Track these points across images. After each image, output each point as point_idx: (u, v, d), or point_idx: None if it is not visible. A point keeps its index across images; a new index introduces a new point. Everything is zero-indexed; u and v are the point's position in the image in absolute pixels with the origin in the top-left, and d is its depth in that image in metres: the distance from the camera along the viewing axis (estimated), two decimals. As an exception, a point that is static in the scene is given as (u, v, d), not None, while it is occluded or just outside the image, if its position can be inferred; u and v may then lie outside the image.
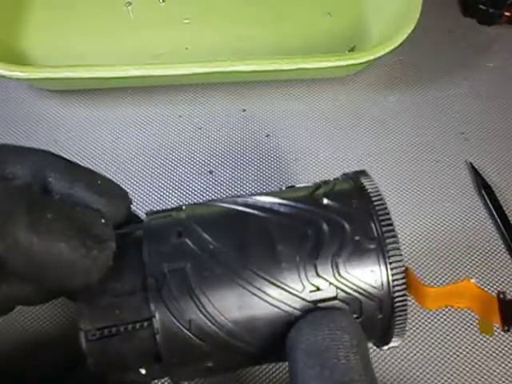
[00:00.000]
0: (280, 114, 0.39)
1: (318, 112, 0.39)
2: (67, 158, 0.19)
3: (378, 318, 0.19)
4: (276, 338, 0.18)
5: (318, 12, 0.44)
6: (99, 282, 0.17)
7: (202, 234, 0.19)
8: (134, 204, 0.34)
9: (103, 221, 0.17)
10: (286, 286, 0.18)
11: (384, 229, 0.19)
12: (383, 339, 0.20)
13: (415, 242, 0.33)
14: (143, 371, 0.18)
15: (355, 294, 0.18)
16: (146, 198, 0.34)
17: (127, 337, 0.18)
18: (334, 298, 0.18)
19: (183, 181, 0.35)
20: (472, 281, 0.20)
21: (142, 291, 0.18)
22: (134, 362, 0.18)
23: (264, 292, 0.18)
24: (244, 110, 0.39)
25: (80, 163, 0.39)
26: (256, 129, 0.38)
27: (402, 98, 0.40)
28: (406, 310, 0.19)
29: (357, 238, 0.18)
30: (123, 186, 0.36)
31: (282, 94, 0.40)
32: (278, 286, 0.18)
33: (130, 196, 0.20)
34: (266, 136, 0.38)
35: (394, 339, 0.20)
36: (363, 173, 0.21)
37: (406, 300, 0.18)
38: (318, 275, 0.18)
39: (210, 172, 0.36)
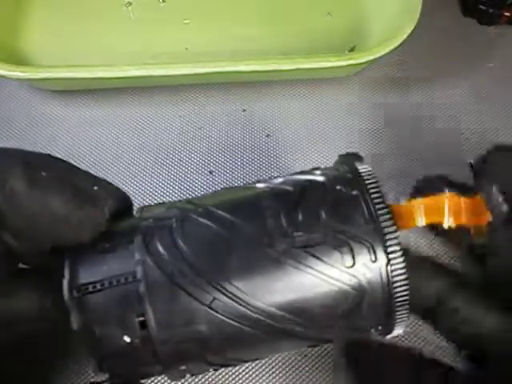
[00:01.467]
0: (280, 113, 0.39)
1: (318, 112, 0.39)
2: (68, 157, 0.19)
3: (373, 265, 0.18)
4: (270, 297, 0.18)
5: (318, 12, 0.44)
6: (91, 243, 0.18)
7: (188, 203, 0.20)
8: (134, 204, 0.34)
9: (96, 188, 0.18)
10: (271, 231, 0.18)
11: (365, 177, 0.19)
12: (387, 306, 0.19)
13: (415, 241, 0.33)
14: (128, 339, 0.17)
15: (343, 237, 0.18)
16: (146, 198, 0.34)
17: (111, 292, 0.18)
18: (323, 243, 0.18)
19: (183, 181, 0.35)
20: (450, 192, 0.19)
21: (129, 247, 0.18)
22: (118, 322, 0.17)
23: (245, 236, 0.18)
24: (244, 110, 0.39)
25: (80, 163, 0.39)
26: (256, 129, 0.38)
27: (401, 98, 0.40)
28: (401, 253, 0.18)
29: (338, 187, 0.19)
30: (124, 186, 0.36)
31: (282, 93, 0.40)
32: (264, 232, 0.18)
33: (131, 196, 0.21)
34: (266, 136, 0.38)
35: (398, 305, 0.18)
36: (352, 153, 0.22)
37: (397, 238, 0.18)
38: (302, 222, 0.18)
39: (210, 172, 0.36)
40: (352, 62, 0.35)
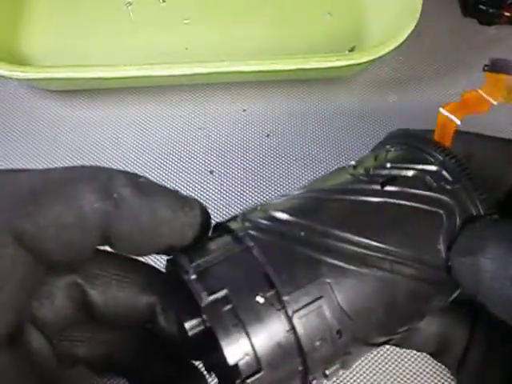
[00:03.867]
0: (280, 113, 0.39)
1: (318, 112, 0.39)
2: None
3: (451, 186, 0.20)
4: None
5: (318, 12, 0.44)
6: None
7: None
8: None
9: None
10: (357, 181, 0.20)
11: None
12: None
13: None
14: (261, 300, 0.16)
15: (416, 172, 0.20)
16: (146, 198, 0.34)
17: (229, 261, 0.17)
18: (395, 178, 0.20)
19: (183, 181, 0.35)
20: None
21: (229, 234, 0.18)
22: (246, 286, 0.17)
23: (336, 190, 0.20)
24: (244, 110, 0.39)
25: (80, 163, 0.39)
26: (256, 129, 0.38)
27: (402, 98, 0.40)
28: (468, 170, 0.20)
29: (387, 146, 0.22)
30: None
31: (282, 93, 0.40)
32: (352, 184, 0.20)
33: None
34: (266, 136, 0.38)
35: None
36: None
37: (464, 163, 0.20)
38: (373, 170, 0.20)
39: (211, 172, 0.36)
40: (352, 61, 0.35)
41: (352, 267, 0.17)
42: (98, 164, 0.36)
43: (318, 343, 0.17)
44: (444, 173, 0.20)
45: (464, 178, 0.20)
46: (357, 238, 0.18)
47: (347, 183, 0.20)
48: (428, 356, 0.29)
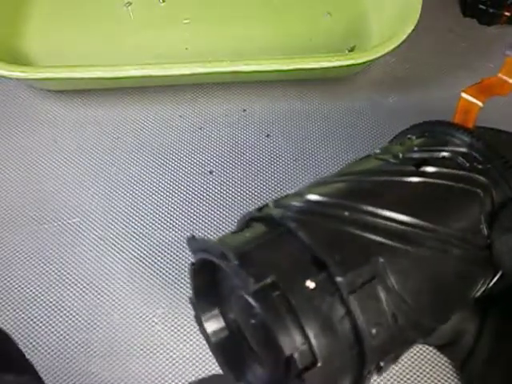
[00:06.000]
0: (280, 113, 0.39)
1: (318, 112, 0.39)
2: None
3: (486, 166, 0.20)
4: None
5: (318, 12, 0.44)
6: None
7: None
8: (133, 205, 0.34)
9: None
10: (391, 166, 0.19)
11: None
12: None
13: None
14: (312, 284, 0.15)
15: (449, 153, 0.20)
16: (146, 199, 0.34)
17: (272, 244, 0.16)
18: (426, 160, 0.19)
19: (183, 181, 0.35)
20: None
21: (259, 222, 0.18)
22: (294, 271, 0.15)
23: (368, 171, 0.19)
24: (244, 110, 0.39)
25: (80, 163, 0.39)
26: (256, 129, 0.38)
27: (401, 97, 0.40)
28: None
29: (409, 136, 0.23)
30: (123, 187, 0.36)
31: (282, 93, 0.40)
32: (385, 167, 0.20)
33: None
34: (266, 136, 0.38)
35: None
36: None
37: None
38: (403, 156, 0.20)
39: (210, 172, 0.36)
40: (352, 61, 0.35)
41: (401, 246, 0.17)
42: (98, 164, 0.36)
43: (374, 330, 0.15)
44: (474, 154, 0.20)
45: (494, 158, 0.19)
46: (402, 217, 0.17)
47: (379, 166, 0.19)
48: (428, 353, 0.29)
